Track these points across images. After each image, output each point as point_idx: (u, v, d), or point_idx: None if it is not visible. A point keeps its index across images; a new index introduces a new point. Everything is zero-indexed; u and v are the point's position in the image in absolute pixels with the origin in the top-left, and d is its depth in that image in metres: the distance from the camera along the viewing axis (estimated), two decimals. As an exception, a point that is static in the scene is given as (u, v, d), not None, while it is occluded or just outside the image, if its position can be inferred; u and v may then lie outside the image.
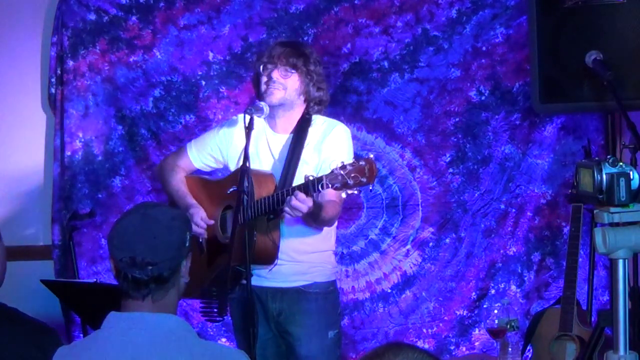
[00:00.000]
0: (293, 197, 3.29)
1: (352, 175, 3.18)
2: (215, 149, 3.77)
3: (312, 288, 3.62)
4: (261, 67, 3.62)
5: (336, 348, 3.68)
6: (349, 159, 3.56)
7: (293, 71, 3.58)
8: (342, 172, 3.20)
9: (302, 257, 3.61)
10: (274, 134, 3.66)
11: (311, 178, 3.27)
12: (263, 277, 3.61)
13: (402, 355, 1.83)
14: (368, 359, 1.87)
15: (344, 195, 3.31)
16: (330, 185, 3.22)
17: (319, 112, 3.67)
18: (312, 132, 3.63)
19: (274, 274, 3.59)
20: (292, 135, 3.63)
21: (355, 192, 3.28)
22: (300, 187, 3.31)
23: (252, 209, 3.43)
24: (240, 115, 3.62)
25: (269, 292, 3.64)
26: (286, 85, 3.58)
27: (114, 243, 2.45)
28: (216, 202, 3.66)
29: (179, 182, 3.78)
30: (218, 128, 3.82)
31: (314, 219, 3.49)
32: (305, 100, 3.63)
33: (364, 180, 3.19)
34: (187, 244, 2.48)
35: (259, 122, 3.62)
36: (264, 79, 3.60)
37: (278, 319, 3.65)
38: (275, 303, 3.64)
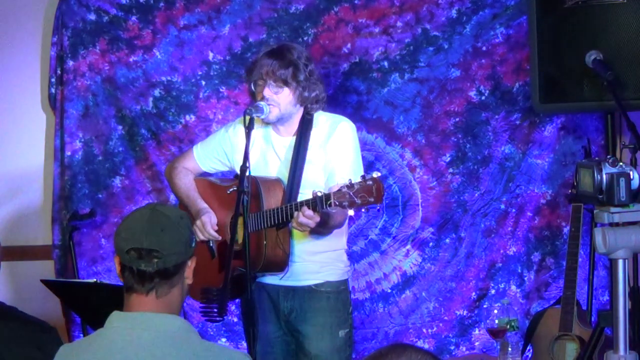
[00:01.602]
0: (300, 214, 3.32)
1: (360, 195, 3.21)
2: (220, 152, 3.78)
3: (323, 287, 3.64)
4: (252, 84, 3.62)
5: (347, 347, 3.70)
6: (355, 155, 3.61)
7: (283, 87, 3.57)
8: (349, 191, 3.21)
9: (313, 258, 3.63)
10: (278, 137, 3.67)
11: (319, 194, 3.28)
12: (275, 275, 3.63)
13: (405, 356, 1.84)
14: (372, 359, 1.87)
15: (351, 213, 3.32)
16: (338, 204, 3.23)
17: (319, 109, 3.67)
18: (316, 131, 3.63)
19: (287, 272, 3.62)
20: (295, 137, 3.64)
21: (364, 210, 3.30)
22: (309, 203, 3.32)
23: (260, 221, 3.46)
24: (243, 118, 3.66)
25: (280, 290, 3.66)
26: (279, 101, 3.57)
27: (121, 236, 2.46)
28: (226, 207, 3.67)
29: (188, 185, 3.80)
30: (224, 131, 3.81)
31: (323, 228, 3.51)
32: (302, 104, 3.64)
33: (372, 199, 3.22)
34: (193, 245, 2.50)
35: (264, 126, 3.64)
36: (258, 96, 3.60)
37: (289, 318, 3.67)
38: (287, 301, 3.66)
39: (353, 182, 3.23)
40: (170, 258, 2.43)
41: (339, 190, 3.24)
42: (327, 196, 3.26)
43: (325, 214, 3.40)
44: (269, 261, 3.53)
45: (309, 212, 3.31)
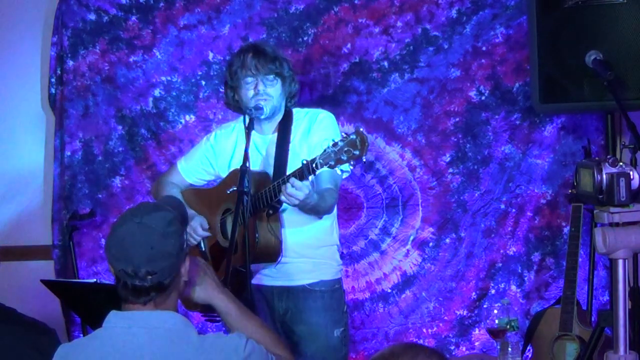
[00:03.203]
0: (288, 185, 3.29)
1: (345, 149, 3.17)
2: (205, 162, 3.81)
3: (318, 286, 3.64)
4: (241, 83, 3.62)
5: (342, 347, 3.69)
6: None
7: (277, 79, 3.60)
8: (334, 149, 3.19)
9: (308, 252, 3.62)
10: (260, 135, 3.69)
11: (304, 162, 3.27)
12: (269, 276, 3.64)
13: (420, 358, 1.84)
14: (383, 358, 1.87)
15: (338, 171, 3.30)
16: (324, 164, 3.20)
17: (295, 103, 3.70)
18: (297, 125, 3.66)
19: (281, 272, 3.62)
20: (277, 133, 3.66)
21: (351, 166, 3.27)
22: (295, 173, 3.31)
23: (253, 205, 3.45)
24: (225, 124, 3.82)
25: (274, 291, 3.66)
26: (272, 94, 3.60)
27: (112, 253, 2.45)
28: (214, 209, 3.68)
29: (175, 194, 3.80)
30: (205, 141, 3.86)
31: (315, 211, 3.50)
32: (285, 97, 3.68)
33: (357, 153, 3.16)
34: (185, 246, 2.50)
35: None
36: (250, 92, 3.61)
37: (284, 318, 3.67)
38: (282, 302, 3.66)
39: (336, 140, 3.19)
40: (164, 272, 2.43)
41: (324, 151, 3.20)
42: (312, 160, 3.24)
43: (320, 196, 3.40)
44: (261, 250, 3.50)
45: (298, 182, 3.27)
